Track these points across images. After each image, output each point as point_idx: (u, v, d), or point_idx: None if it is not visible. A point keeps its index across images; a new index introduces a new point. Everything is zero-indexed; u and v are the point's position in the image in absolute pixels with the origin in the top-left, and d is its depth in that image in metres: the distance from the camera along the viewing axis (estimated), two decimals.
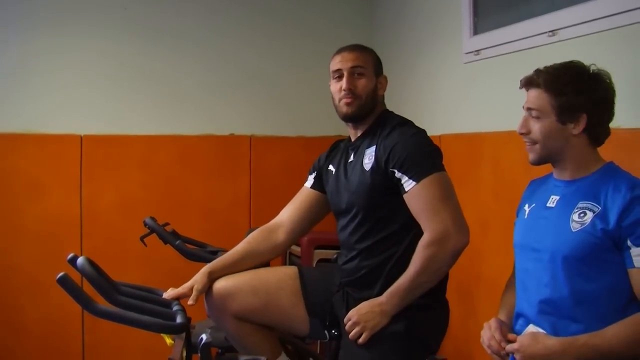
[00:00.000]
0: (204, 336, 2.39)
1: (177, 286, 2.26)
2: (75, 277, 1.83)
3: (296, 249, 3.75)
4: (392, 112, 2.34)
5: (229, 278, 2.31)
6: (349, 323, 2.13)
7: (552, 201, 1.89)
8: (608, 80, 1.85)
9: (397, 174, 2.13)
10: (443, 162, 2.21)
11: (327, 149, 2.51)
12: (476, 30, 3.08)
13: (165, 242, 2.92)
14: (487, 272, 2.94)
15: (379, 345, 2.10)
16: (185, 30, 4.13)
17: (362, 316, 2.12)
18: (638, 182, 1.78)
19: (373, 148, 2.21)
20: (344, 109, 2.27)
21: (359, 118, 2.28)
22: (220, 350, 2.78)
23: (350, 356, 2.15)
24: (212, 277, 2.29)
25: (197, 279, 2.27)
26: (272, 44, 4.26)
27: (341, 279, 2.29)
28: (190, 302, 2.16)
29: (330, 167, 2.39)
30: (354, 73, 2.25)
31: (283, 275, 2.34)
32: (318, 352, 3.26)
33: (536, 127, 1.85)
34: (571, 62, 1.87)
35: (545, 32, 2.51)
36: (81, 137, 3.98)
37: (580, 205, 1.80)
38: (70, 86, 3.99)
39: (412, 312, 2.12)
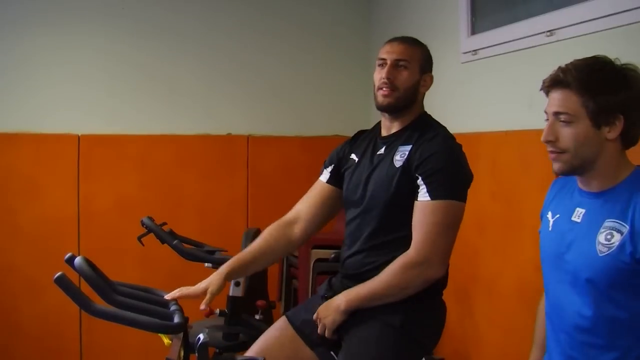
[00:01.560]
0: (201, 336, 2.39)
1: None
2: (73, 277, 1.83)
3: None
4: (431, 116, 2.29)
5: None
6: (317, 320, 2.17)
7: (578, 215, 1.70)
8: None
9: (419, 181, 2.10)
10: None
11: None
12: (474, 30, 3.08)
13: (163, 242, 2.92)
14: (484, 272, 2.94)
15: (377, 343, 2.10)
16: (183, 31, 4.13)
17: (322, 312, 2.16)
18: None
19: (409, 147, 2.16)
20: (380, 99, 2.22)
21: (393, 110, 2.22)
22: (217, 350, 2.79)
23: (349, 354, 2.14)
24: (230, 278, 2.26)
25: (213, 280, 2.18)
26: (269, 43, 4.26)
27: (341, 272, 2.28)
28: (202, 306, 2.11)
29: (353, 156, 2.33)
30: (397, 65, 2.21)
31: (277, 332, 2.30)
32: None
33: (567, 134, 1.64)
34: (597, 57, 1.68)
35: (543, 32, 2.51)
36: (79, 137, 3.98)
37: (606, 224, 1.62)
38: (68, 86, 3.99)
39: (411, 312, 2.12)
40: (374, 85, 2.25)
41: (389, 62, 2.21)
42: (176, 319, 1.91)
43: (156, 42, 4.10)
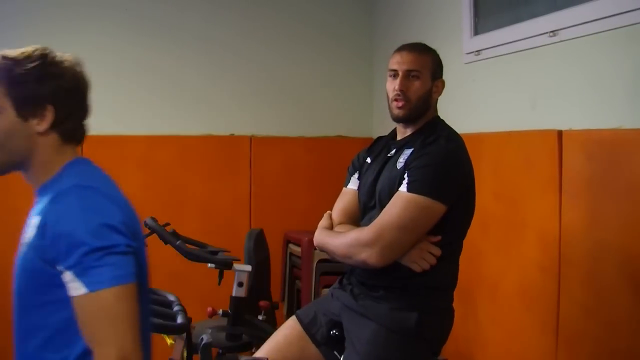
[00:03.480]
0: (204, 336, 2.39)
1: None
2: None
3: (296, 249, 3.75)
4: (442, 120, 2.30)
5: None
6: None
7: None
8: (77, 69, 1.66)
9: (404, 176, 2.12)
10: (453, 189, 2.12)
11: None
12: (477, 31, 3.08)
13: (166, 243, 2.91)
14: (487, 272, 2.94)
15: (386, 342, 2.10)
16: (186, 32, 4.13)
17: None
18: (65, 189, 1.55)
19: (411, 150, 2.18)
20: (395, 111, 2.24)
21: (408, 120, 2.25)
22: (220, 351, 2.79)
23: (355, 354, 2.14)
24: None
25: None
26: (272, 44, 4.26)
27: (349, 275, 2.29)
28: None
29: (368, 160, 2.37)
30: (409, 75, 2.21)
31: (287, 331, 2.32)
32: None
33: None
34: (38, 47, 1.66)
35: (546, 33, 2.51)
36: None
37: (32, 221, 1.58)
38: None
39: (426, 312, 2.12)
40: (387, 97, 2.27)
41: (400, 73, 2.22)
42: (179, 320, 1.91)
43: (160, 43, 4.09)
